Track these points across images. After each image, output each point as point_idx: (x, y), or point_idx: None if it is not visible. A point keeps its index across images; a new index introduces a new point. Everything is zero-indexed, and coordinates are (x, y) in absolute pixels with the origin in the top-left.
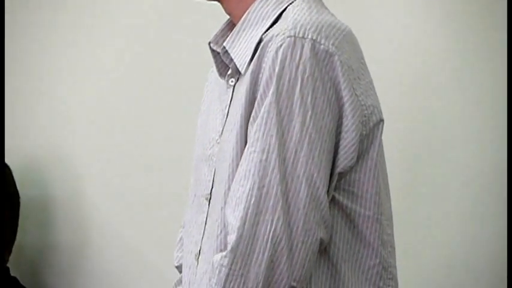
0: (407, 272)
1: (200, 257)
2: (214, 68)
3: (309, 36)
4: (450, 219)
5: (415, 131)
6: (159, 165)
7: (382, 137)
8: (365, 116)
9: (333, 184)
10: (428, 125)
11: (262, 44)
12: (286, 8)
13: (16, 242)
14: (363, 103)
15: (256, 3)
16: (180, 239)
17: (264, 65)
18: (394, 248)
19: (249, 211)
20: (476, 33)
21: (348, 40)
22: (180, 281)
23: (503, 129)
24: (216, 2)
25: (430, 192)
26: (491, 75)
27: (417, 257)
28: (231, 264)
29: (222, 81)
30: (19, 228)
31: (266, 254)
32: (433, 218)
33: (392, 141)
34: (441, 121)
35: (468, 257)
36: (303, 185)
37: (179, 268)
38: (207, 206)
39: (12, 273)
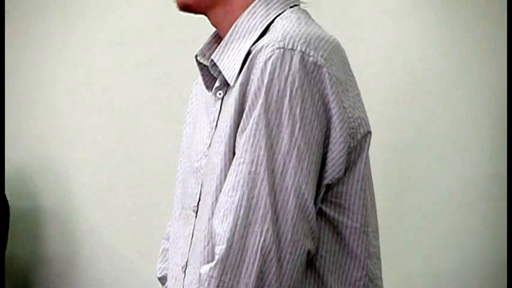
0: (395, 283)
1: (187, 269)
2: (199, 80)
3: (298, 48)
4: (440, 229)
5: (404, 140)
6: (149, 176)
7: (372, 147)
8: (353, 128)
9: (320, 196)
10: (418, 134)
11: (251, 55)
12: (274, 19)
13: (6, 253)
14: (350, 115)
15: (243, 15)
16: (163, 250)
17: (252, 77)
18: (380, 260)
19: (238, 222)
20: (470, 40)
21: (336, 52)
22: None
23: (497, 137)
24: (203, 15)
25: (420, 203)
26: (485, 80)
27: (405, 268)
28: (221, 276)
29: (209, 94)
30: (10, 240)
31: (256, 264)
32: (423, 228)
33: (382, 151)
34: (431, 129)
35: (457, 268)
36: (291, 197)
37: (162, 280)
38: (194, 218)
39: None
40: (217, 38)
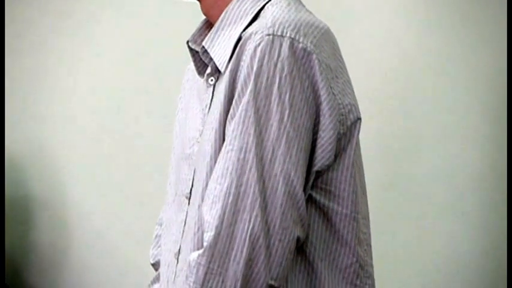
0: (388, 270)
1: (180, 256)
2: (191, 66)
3: (288, 35)
4: (431, 217)
5: (397, 129)
6: (141, 165)
7: (366, 135)
8: (342, 115)
9: (310, 183)
10: (411, 123)
11: (241, 42)
12: (264, 5)
13: None
14: (340, 102)
15: (233, 1)
16: (156, 236)
17: (242, 63)
18: (370, 247)
19: (227, 209)
20: (468, 30)
21: (326, 38)
22: (156, 279)
23: (490, 128)
24: (194, 0)
25: (411, 191)
26: (480, 73)
27: (399, 257)
28: (209, 263)
29: (201, 80)
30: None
31: (244, 252)
32: (418, 220)
33: (375, 139)
34: (425, 119)
35: (448, 256)
36: (280, 184)
37: (155, 265)
38: (187, 204)
39: None
40: (208, 24)
